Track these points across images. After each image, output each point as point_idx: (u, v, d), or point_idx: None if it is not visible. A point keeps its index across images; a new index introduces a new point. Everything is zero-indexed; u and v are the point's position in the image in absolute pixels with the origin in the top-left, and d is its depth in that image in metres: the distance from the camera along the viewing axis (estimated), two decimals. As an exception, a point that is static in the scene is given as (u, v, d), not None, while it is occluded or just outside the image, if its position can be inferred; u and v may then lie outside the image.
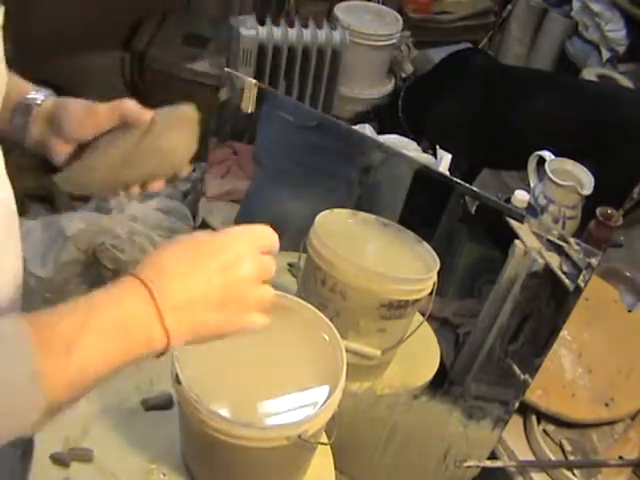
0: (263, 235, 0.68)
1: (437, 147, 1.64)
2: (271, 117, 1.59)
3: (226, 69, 1.27)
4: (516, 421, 1.32)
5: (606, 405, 1.34)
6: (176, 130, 0.83)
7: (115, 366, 0.58)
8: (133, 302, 0.59)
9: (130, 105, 0.81)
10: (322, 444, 1.03)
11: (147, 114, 0.82)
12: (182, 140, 0.84)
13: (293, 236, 1.40)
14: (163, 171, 0.85)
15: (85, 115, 0.81)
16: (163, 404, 1.15)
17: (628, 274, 1.65)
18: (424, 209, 1.52)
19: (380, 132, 1.73)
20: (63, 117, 0.82)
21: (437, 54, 2.73)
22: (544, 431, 1.32)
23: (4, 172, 0.72)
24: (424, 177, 1.23)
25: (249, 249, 0.65)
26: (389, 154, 1.42)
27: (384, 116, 2.33)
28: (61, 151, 0.83)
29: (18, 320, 0.56)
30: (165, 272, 0.61)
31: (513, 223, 1.25)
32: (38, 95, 0.84)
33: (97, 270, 1.72)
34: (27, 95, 0.83)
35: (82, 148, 0.84)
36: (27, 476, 0.97)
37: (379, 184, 1.58)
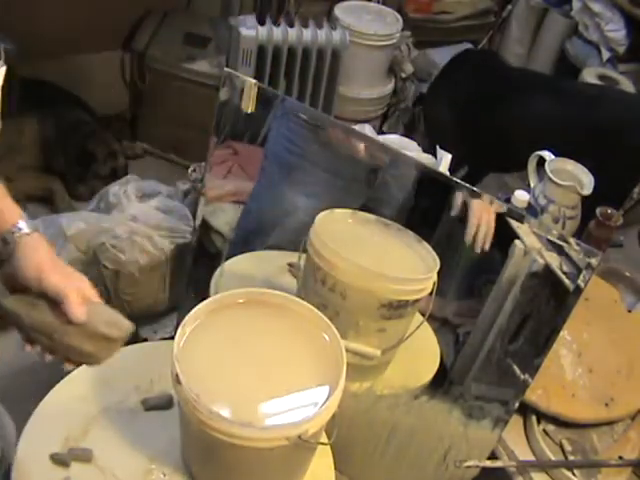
0: None
1: (437, 147, 1.64)
2: (284, 116, 1.58)
3: (226, 69, 1.27)
4: (516, 421, 1.32)
5: (606, 405, 1.34)
6: (97, 341, 0.92)
7: None
8: None
9: (73, 304, 0.89)
10: (322, 444, 1.03)
11: (79, 317, 0.89)
12: (98, 350, 0.92)
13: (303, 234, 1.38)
14: (76, 357, 0.94)
15: (39, 274, 0.90)
16: (163, 404, 1.15)
17: (628, 274, 1.65)
18: (424, 209, 1.52)
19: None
20: (22, 264, 0.90)
21: (437, 54, 2.73)
22: (544, 431, 1.32)
23: None
24: (425, 177, 1.24)
25: None
26: (389, 154, 1.42)
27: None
28: (6, 282, 0.93)
29: None
30: None
31: (513, 223, 1.25)
32: (24, 227, 0.92)
33: (97, 270, 1.72)
34: (17, 223, 0.92)
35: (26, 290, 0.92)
36: None
37: (387, 184, 1.58)
